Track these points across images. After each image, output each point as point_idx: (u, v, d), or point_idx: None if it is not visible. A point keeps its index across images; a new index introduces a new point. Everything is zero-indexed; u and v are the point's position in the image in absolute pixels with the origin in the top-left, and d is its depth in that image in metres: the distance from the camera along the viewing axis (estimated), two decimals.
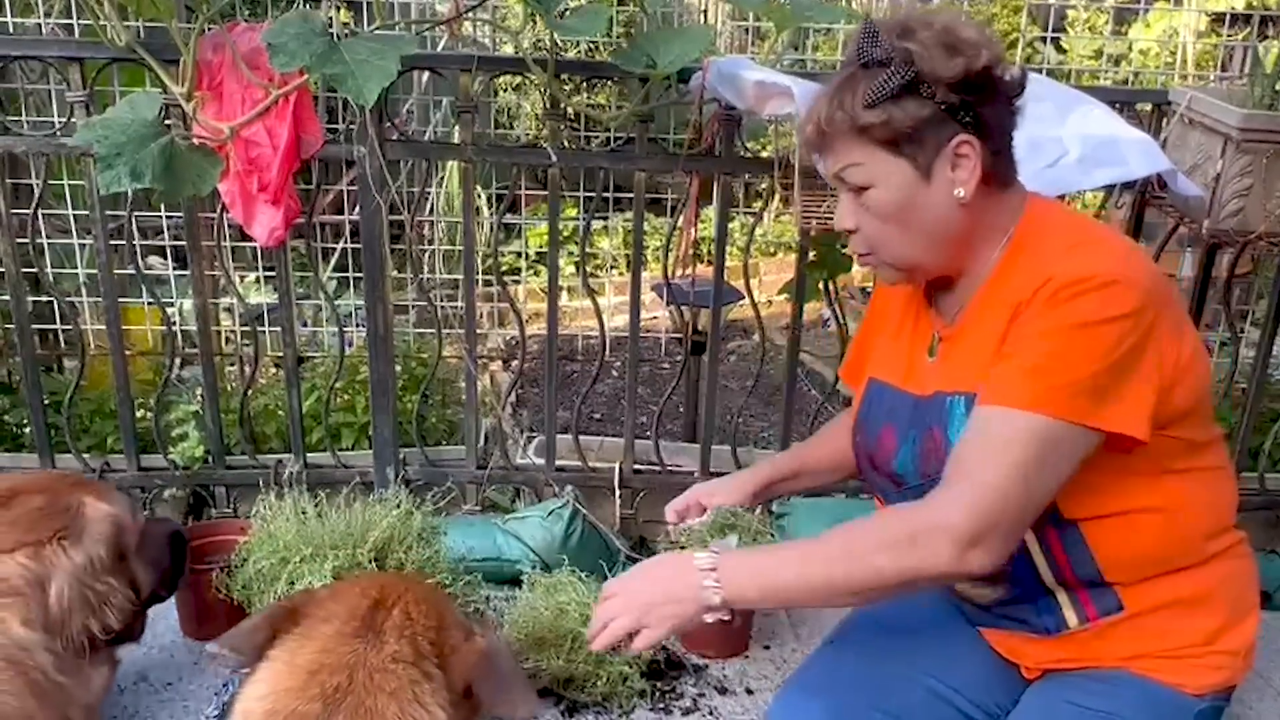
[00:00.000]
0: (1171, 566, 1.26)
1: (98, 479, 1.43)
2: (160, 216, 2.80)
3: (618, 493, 2.30)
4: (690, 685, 1.58)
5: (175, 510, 2.34)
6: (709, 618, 1.16)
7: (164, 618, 1.71)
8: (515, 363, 4.10)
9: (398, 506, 1.60)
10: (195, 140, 1.80)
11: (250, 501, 2.30)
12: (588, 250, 4.15)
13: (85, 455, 2.24)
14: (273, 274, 2.33)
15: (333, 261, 3.21)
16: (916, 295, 1.39)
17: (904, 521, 1.16)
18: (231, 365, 2.76)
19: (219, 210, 2.08)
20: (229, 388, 2.53)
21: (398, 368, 2.36)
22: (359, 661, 0.96)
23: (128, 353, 2.23)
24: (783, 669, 1.64)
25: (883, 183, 1.21)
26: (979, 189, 1.19)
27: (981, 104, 1.17)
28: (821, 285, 2.27)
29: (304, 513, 1.53)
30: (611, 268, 4.94)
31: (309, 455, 2.29)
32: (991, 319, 1.22)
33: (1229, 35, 3.90)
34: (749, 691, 1.59)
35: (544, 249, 2.20)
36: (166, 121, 1.82)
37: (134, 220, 2.12)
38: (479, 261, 3.39)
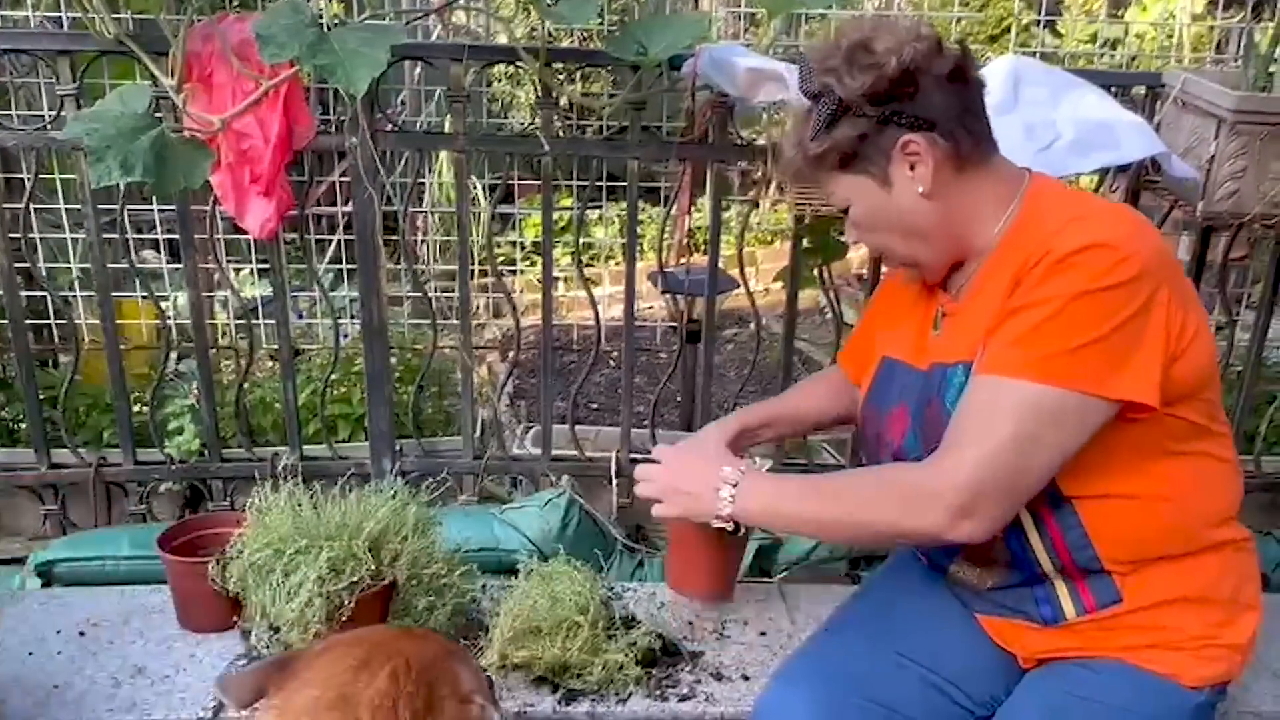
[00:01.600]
0: (1169, 554, 1.25)
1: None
2: (153, 210, 2.79)
3: (614, 482, 2.30)
4: (686, 672, 1.58)
5: (172, 504, 2.34)
6: (714, 523, 1.33)
7: (160, 610, 1.72)
8: (511, 354, 4.10)
9: (393, 497, 1.60)
10: (186, 133, 1.80)
11: (247, 494, 2.29)
12: (584, 240, 4.15)
13: (81, 450, 2.24)
14: (267, 266, 2.32)
15: (328, 253, 3.20)
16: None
17: (902, 482, 1.23)
18: (228, 360, 2.76)
19: (212, 203, 2.07)
20: (224, 381, 2.52)
21: (394, 359, 2.36)
22: None
23: (122, 347, 2.22)
24: (779, 655, 1.65)
25: (855, 200, 1.30)
26: (947, 176, 1.24)
27: (911, 102, 1.22)
28: (816, 272, 2.27)
29: (299, 504, 1.53)
30: (608, 258, 4.94)
31: (305, 447, 2.29)
32: (992, 291, 1.23)
33: (1224, 18, 3.89)
34: (745, 678, 1.59)
35: (540, 239, 2.20)
36: (157, 114, 1.81)
37: (126, 214, 2.11)
38: (475, 252, 3.40)
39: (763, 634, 1.72)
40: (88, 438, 2.33)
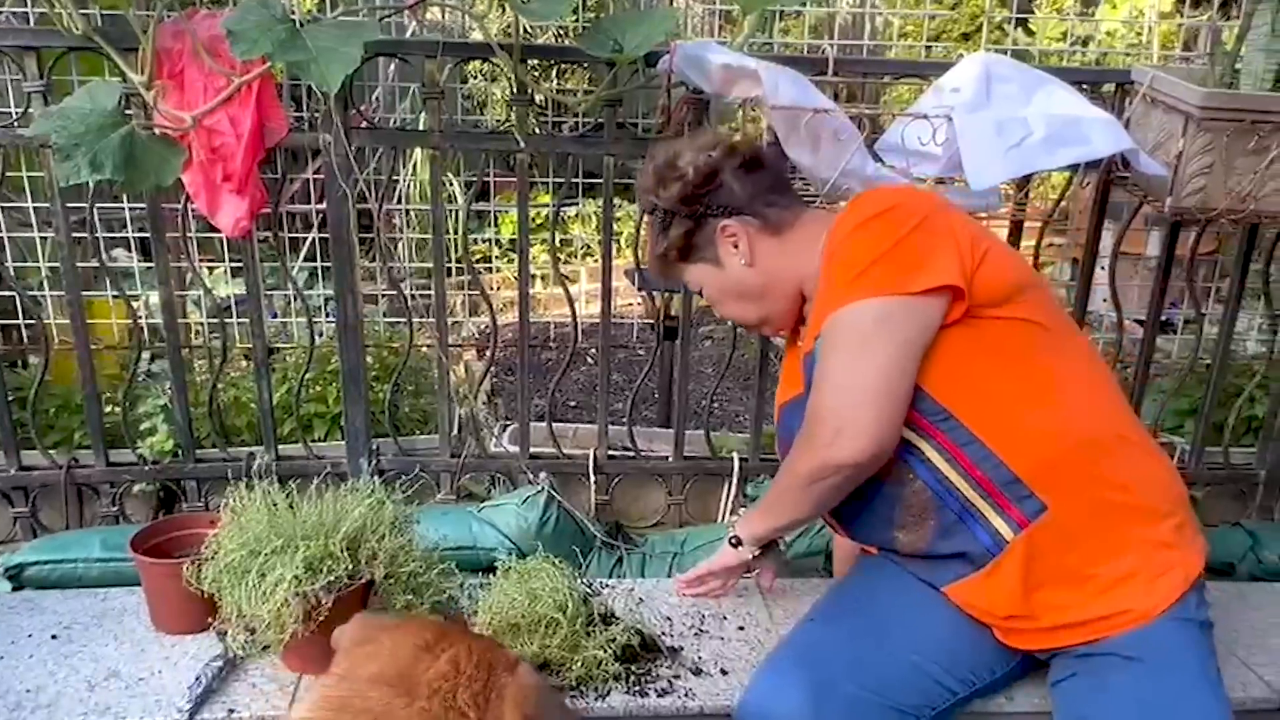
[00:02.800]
0: (1076, 455, 1.33)
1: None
2: (123, 208, 2.76)
3: (592, 479, 2.30)
4: (665, 668, 1.58)
5: (145, 505, 2.32)
6: (742, 554, 1.62)
7: (134, 613, 1.70)
8: (488, 351, 4.08)
9: (369, 495, 1.59)
10: (157, 130, 1.78)
11: (222, 495, 2.27)
12: (561, 237, 4.15)
13: (51, 451, 2.22)
14: (241, 265, 2.30)
15: (302, 252, 3.18)
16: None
17: (800, 436, 1.42)
18: (201, 360, 2.73)
19: (184, 201, 2.05)
20: (198, 381, 2.50)
21: (369, 358, 2.34)
22: (385, 712, 0.94)
23: (93, 347, 2.20)
24: (757, 649, 1.65)
25: (703, 282, 1.59)
26: (767, 243, 1.51)
27: (716, 195, 1.51)
28: None
29: (274, 504, 1.51)
30: (585, 254, 4.93)
31: (280, 447, 2.27)
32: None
33: (1190, 16, 3.94)
34: (724, 672, 1.59)
35: (516, 236, 2.21)
36: (127, 111, 1.79)
37: (96, 212, 2.08)
38: (452, 250, 3.38)
39: (741, 629, 1.72)
40: (58, 439, 2.30)
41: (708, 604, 1.79)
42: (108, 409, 2.27)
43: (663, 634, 1.67)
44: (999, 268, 1.35)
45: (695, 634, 1.70)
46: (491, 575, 1.71)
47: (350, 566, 1.44)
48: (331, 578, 1.41)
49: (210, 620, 1.51)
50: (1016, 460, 1.32)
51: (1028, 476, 1.32)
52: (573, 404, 4.03)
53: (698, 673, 1.59)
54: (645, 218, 1.64)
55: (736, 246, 1.51)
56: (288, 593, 1.37)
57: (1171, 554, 1.34)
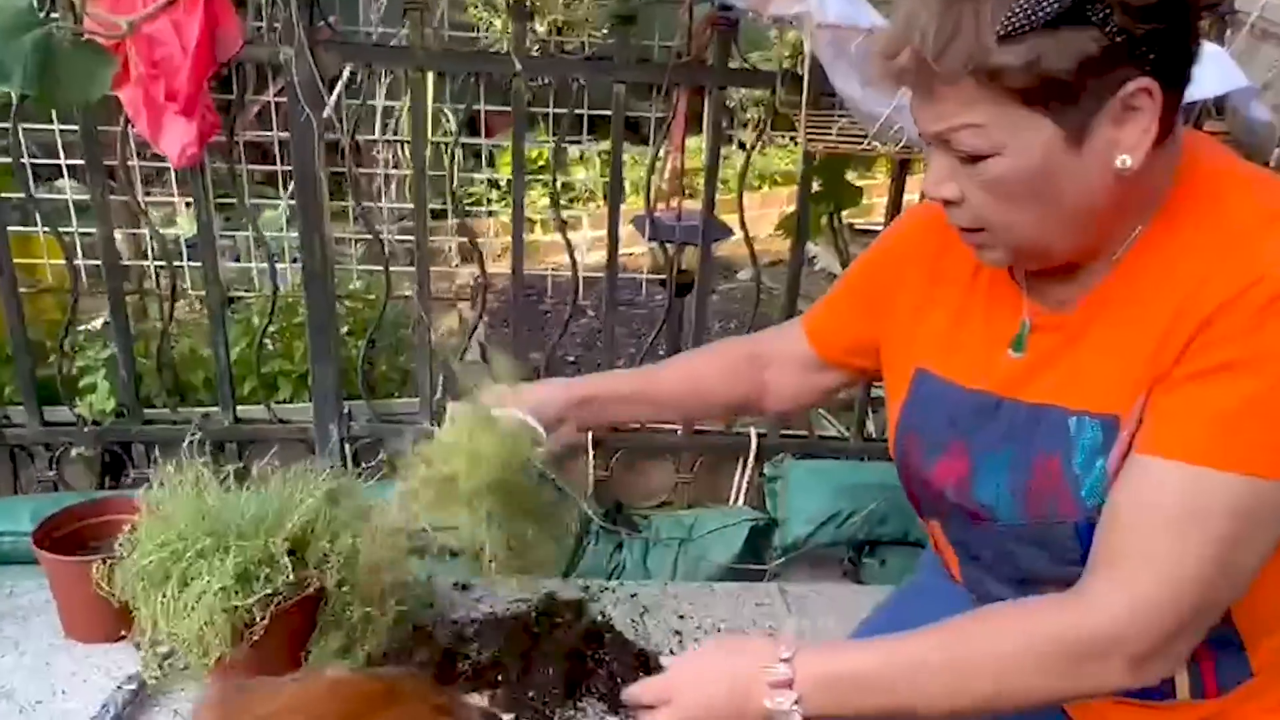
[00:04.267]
0: None
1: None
2: (53, 129, 2.45)
3: (590, 453, 2.05)
4: None
5: (88, 472, 2.06)
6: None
7: (43, 613, 1.43)
8: (477, 302, 3.81)
9: (326, 478, 1.32)
10: (85, 35, 1.49)
11: (174, 459, 2.03)
12: (562, 180, 3.85)
13: None
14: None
15: (245, 189, 2.88)
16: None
17: (1060, 637, 0.89)
18: (154, 306, 2.46)
19: (123, 123, 1.77)
20: (147, 329, 2.22)
21: (343, 310, 2.08)
22: None
23: (24, 291, 1.93)
24: None
25: (1013, 149, 0.85)
26: (1150, 149, 0.85)
27: (1172, 36, 0.82)
28: (826, 220, 2.00)
29: (205, 489, 1.25)
30: (588, 199, 4.62)
31: (240, 408, 2.01)
32: (1139, 313, 0.90)
33: None
34: None
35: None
36: (53, 13, 1.49)
37: (22, 133, 1.79)
38: (448, 191, 3.09)
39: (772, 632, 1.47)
40: None
41: (723, 614, 1.54)
42: (47, 361, 2.00)
43: (670, 651, 1.42)
44: None
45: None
46: None
47: (292, 577, 1.18)
48: (270, 589, 1.15)
49: (125, 631, 1.25)
50: (1246, 627, 0.97)
51: (1250, 648, 0.98)
52: (570, 359, 3.76)
53: None
54: None
55: (1121, 127, 0.84)
56: (213, 608, 1.11)
57: None
